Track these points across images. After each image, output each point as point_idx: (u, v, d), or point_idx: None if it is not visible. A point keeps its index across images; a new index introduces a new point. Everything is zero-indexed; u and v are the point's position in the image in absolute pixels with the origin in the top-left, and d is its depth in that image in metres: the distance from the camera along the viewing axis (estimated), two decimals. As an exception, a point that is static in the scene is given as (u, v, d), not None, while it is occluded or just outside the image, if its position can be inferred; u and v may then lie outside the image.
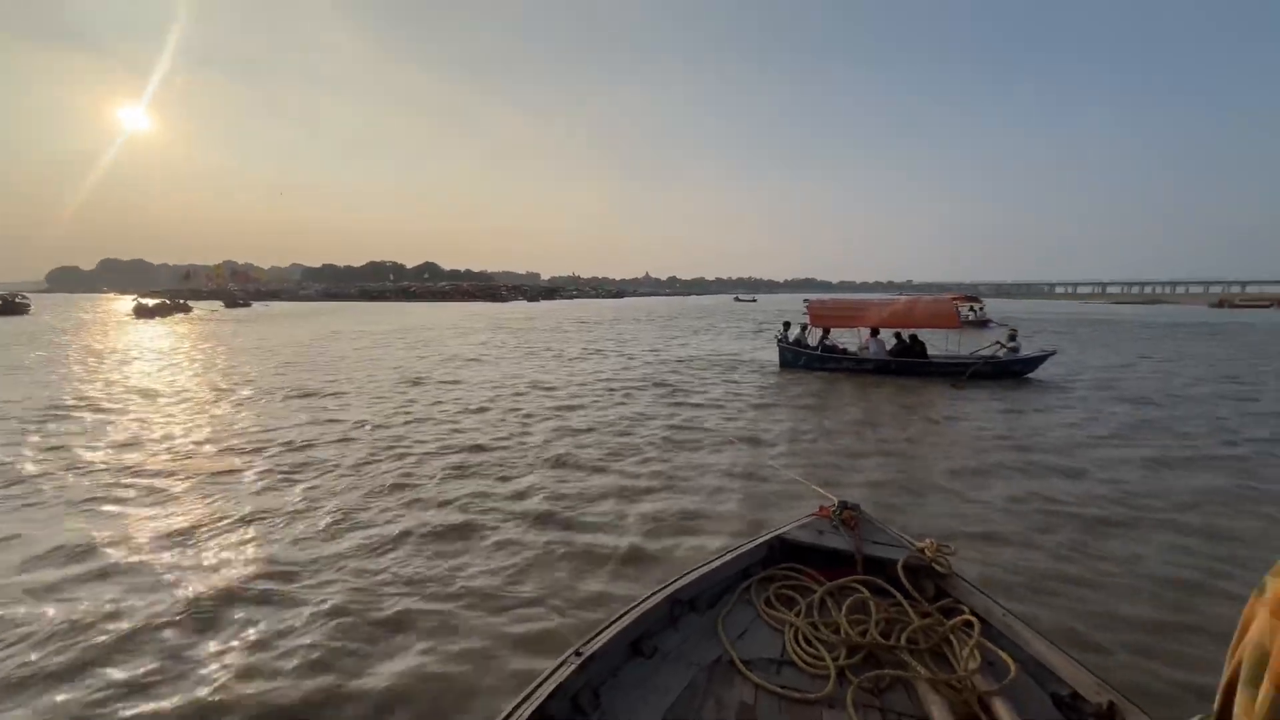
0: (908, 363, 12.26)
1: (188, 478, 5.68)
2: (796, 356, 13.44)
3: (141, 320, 38.07)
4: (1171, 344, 20.55)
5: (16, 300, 44.06)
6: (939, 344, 12.86)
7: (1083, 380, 11.83)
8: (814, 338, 13.75)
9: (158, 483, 5.52)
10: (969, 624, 2.21)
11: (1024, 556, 4.09)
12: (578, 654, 1.86)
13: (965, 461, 6.40)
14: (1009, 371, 11.92)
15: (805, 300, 14.47)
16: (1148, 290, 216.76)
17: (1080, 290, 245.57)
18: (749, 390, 10.82)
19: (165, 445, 6.84)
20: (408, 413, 8.68)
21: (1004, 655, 2.07)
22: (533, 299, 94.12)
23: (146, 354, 17.01)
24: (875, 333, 12.90)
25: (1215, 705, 0.77)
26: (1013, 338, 12.79)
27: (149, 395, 10.12)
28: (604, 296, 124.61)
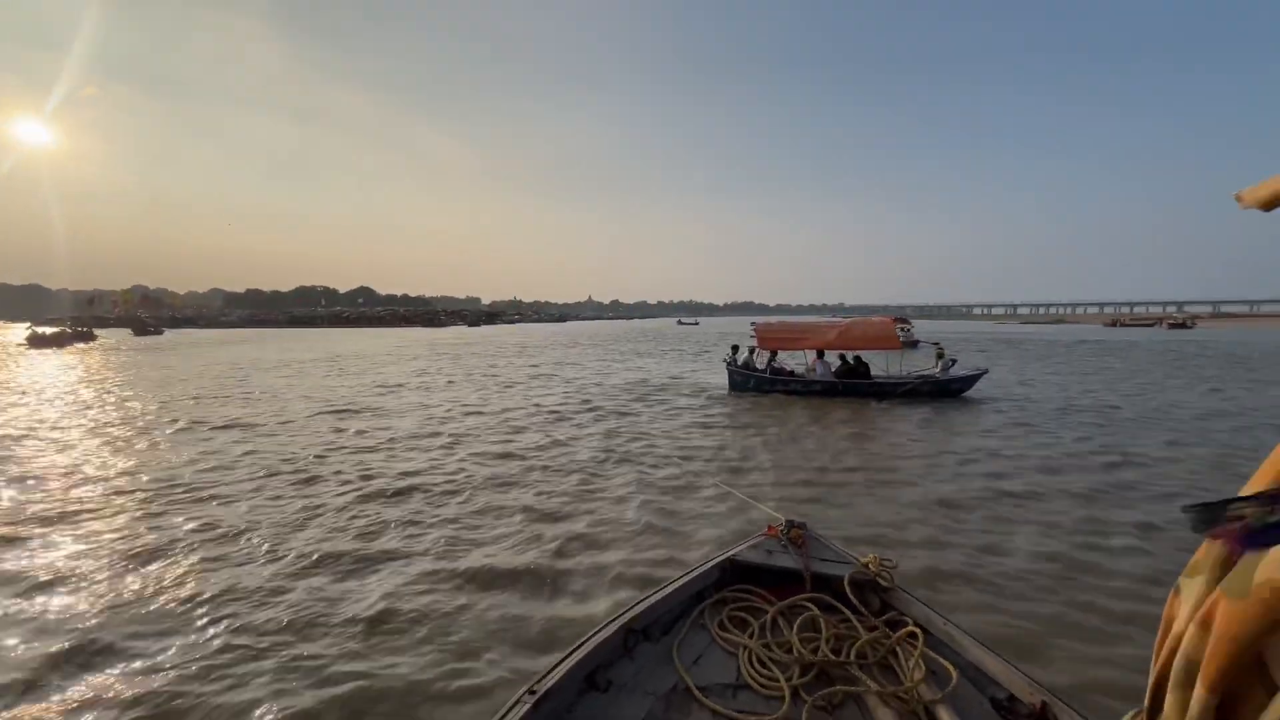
0: (854, 384, 12.61)
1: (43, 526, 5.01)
2: (745, 379, 13.59)
3: (36, 350, 34.64)
4: (1078, 360, 22.23)
5: None
6: (879, 365, 13.33)
7: (1011, 396, 12.51)
8: (762, 360, 13.98)
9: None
10: (913, 635, 2.27)
11: (975, 566, 4.17)
12: (531, 692, 1.83)
13: (912, 478, 6.56)
14: (947, 390, 12.45)
15: (753, 323, 14.69)
16: (1052, 311, 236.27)
17: (994, 311, 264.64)
18: (698, 414, 10.82)
19: (29, 493, 6.06)
20: (315, 447, 8.12)
21: (946, 663, 2.14)
22: (473, 324, 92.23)
23: (37, 389, 15.31)
24: (821, 354, 13.24)
25: (1145, 702, 0.79)
26: (941, 355, 13.43)
27: (23, 437, 9.04)
28: (547, 320, 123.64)
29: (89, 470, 6.96)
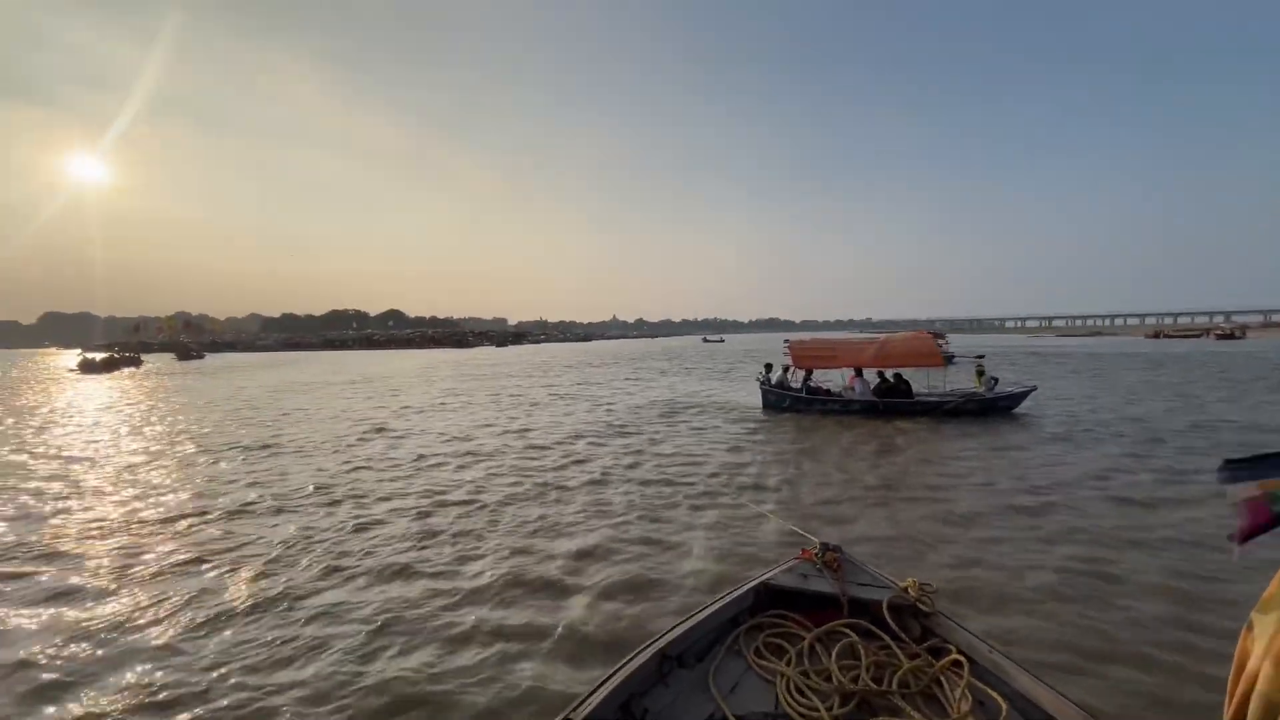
0: (895, 403, 12.20)
1: (103, 549, 5.02)
2: (780, 399, 13.30)
3: (87, 376, 36.07)
4: (1126, 375, 21.29)
5: None
6: (918, 382, 12.91)
7: (1062, 414, 11.96)
8: (796, 379, 13.69)
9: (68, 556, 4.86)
10: (957, 663, 2.20)
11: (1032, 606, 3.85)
12: None
13: (965, 504, 6.22)
14: (994, 408, 11.98)
15: (786, 341, 14.43)
16: (1090, 323, 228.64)
17: (1029, 325, 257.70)
18: (730, 435, 10.56)
19: (90, 513, 6.12)
20: (358, 465, 8.10)
21: (993, 694, 2.07)
22: (500, 344, 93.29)
23: (89, 412, 15.82)
24: (860, 373, 12.89)
25: None
26: (981, 371, 12.95)
27: (82, 460, 9.24)
28: (572, 340, 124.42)
29: (146, 491, 7.07)
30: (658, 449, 9.43)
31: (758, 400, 14.16)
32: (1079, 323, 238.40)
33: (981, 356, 13.41)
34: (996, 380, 12.63)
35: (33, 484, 7.81)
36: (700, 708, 2.12)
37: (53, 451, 10.17)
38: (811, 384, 13.30)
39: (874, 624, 2.47)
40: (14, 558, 5.13)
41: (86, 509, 6.57)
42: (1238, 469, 0.71)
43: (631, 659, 2.19)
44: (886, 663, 2.26)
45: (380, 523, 5.95)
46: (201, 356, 64.33)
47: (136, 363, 47.73)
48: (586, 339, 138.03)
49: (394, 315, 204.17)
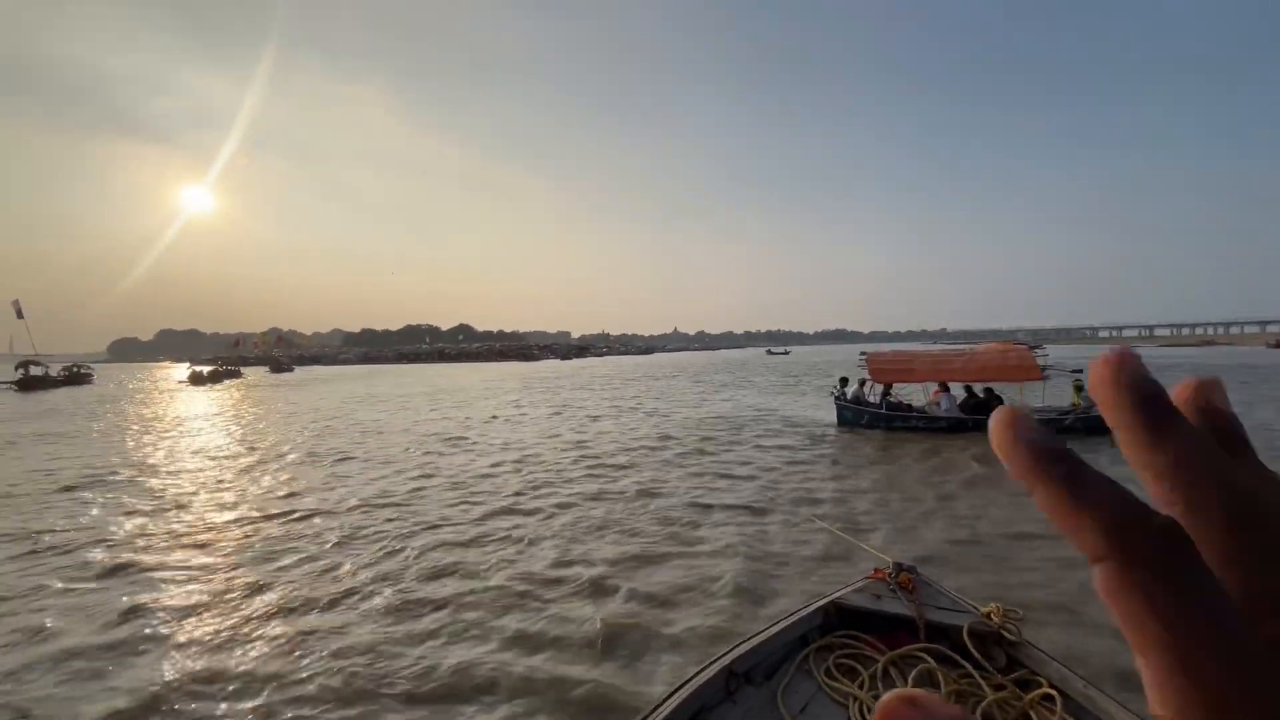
0: (984, 420, 11.21)
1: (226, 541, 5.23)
2: (857, 415, 12.62)
3: (196, 387, 39.51)
4: (1246, 389, 19.01)
5: (81, 371, 46.05)
6: (1009, 398, 11.93)
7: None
8: (874, 394, 12.98)
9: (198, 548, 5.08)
10: (1049, 698, 2.05)
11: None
12: None
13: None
14: (1103, 427, 10.83)
15: (862, 354, 13.74)
16: (1199, 331, 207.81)
17: (1125, 334, 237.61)
18: (802, 452, 10.07)
19: (219, 511, 6.46)
20: (433, 474, 8.21)
21: None
22: (564, 357, 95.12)
23: (201, 419, 17.16)
24: (945, 387, 12.07)
25: None
26: (1081, 388, 11.72)
27: (205, 458, 9.90)
28: (634, 353, 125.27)
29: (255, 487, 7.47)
30: (724, 464, 9.13)
31: (831, 415, 13.55)
32: (1186, 330, 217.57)
33: (1080, 371, 12.13)
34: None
35: (160, 484, 8.42)
36: None
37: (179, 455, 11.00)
38: (891, 399, 12.56)
39: (953, 650, 2.33)
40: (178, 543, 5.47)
41: (217, 504, 6.99)
42: None
43: (698, 674, 2.13)
44: (968, 693, 2.13)
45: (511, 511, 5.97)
46: (291, 370, 69.05)
47: (237, 375, 52.40)
48: (648, 351, 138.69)
49: (464, 330, 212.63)
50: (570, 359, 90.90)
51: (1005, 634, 2.36)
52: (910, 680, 2.20)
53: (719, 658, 2.25)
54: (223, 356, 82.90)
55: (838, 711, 2.15)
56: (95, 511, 7.21)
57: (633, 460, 9.76)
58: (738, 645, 2.35)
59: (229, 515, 6.93)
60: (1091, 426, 10.86)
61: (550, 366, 62.42)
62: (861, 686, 2.22)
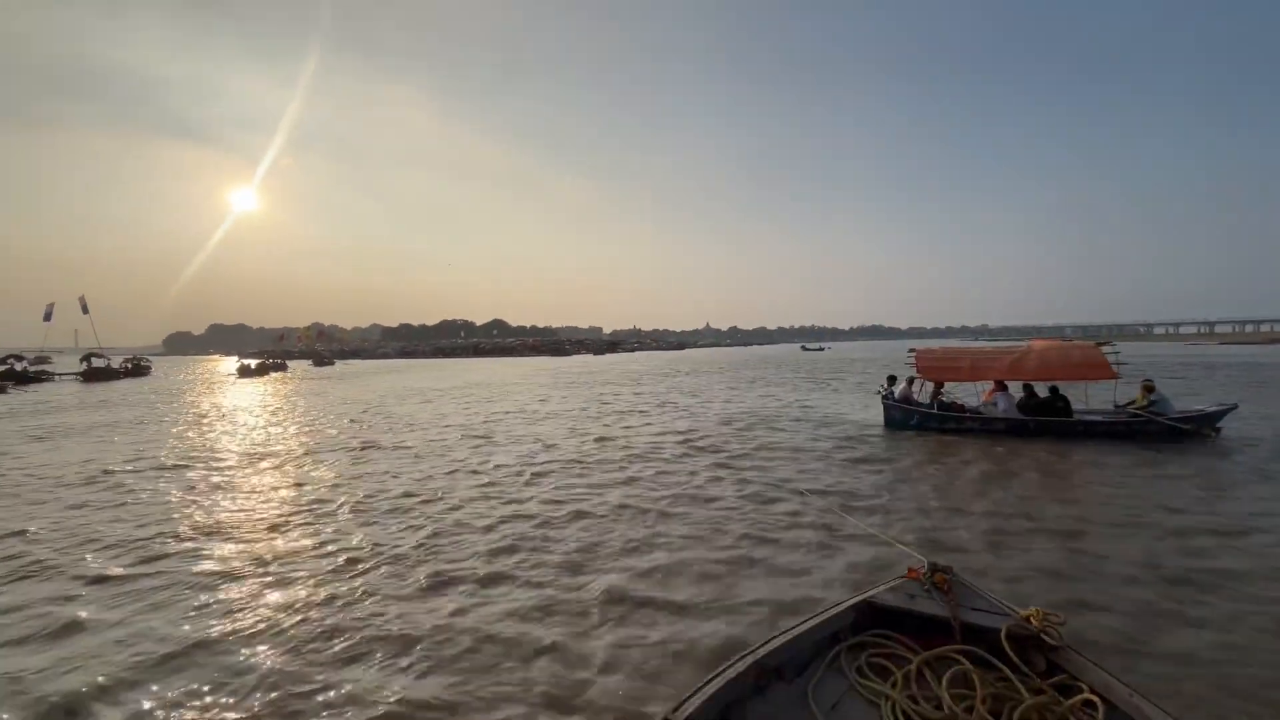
0: (1049, 421, 10.71)
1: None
2: (907, 416, 12.14)
3: (245, 379, 41.11)
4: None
5: (141, 363, 49.72)
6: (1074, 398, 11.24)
7: (1252, 438, 9.95)
8: (925, 393, 12.49)
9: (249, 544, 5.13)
10: (1090, 704, 1.99)
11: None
12: None
13: (1123, 539, 5.20)
14: (1177, 431, 10.07)
15: (911, 350, 13.25)
16: (1264, 329, 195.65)
17: (1183, 330, 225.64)
18: (847, 454, 9.71)
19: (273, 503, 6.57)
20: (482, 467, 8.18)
21: None
22: (597, 353, 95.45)
23: (253, 409, 17.71)
24: (1003, 386, 11.52)
25: None
26: (1151, 390, 10.93)
27: (264, 452, 10.15)
28: (666, 349, 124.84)
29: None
30: (762, 464, 8.93)
31: (877, 415, 13.10)
32: (1249, 327, 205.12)
33: (1148, 381, 11.30)
34: (1156, 399, 10.52)
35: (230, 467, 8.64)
36: None
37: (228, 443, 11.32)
38: (943, 398, 12.05)
39: (990, 652, 2.28)
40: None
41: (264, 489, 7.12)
42: None
43: (729, 667, 2.11)
44: (1006, 696, 2.08)
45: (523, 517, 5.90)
46: (332, 363, 70.94)
47: (283, 368, 54.97)
48: (680, 347, 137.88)
49: (498, 324, 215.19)
50: (603, 354, 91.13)
51: (1045, 638, 2.28)
52: (945, 682, 2.12)
53: (750, 652, 2.22)
54: (268, 350, 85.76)
55: (870, 711, 2.11)
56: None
57: (670, 457, 9.59)
58: (769, 641, 2.31)
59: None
60: (1168, 430, 10.15)
61: (583, 361, 62.59)
62: (894, 687, 2.17)
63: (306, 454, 10.65)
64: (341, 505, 7.06)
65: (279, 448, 11.40)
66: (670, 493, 7.48)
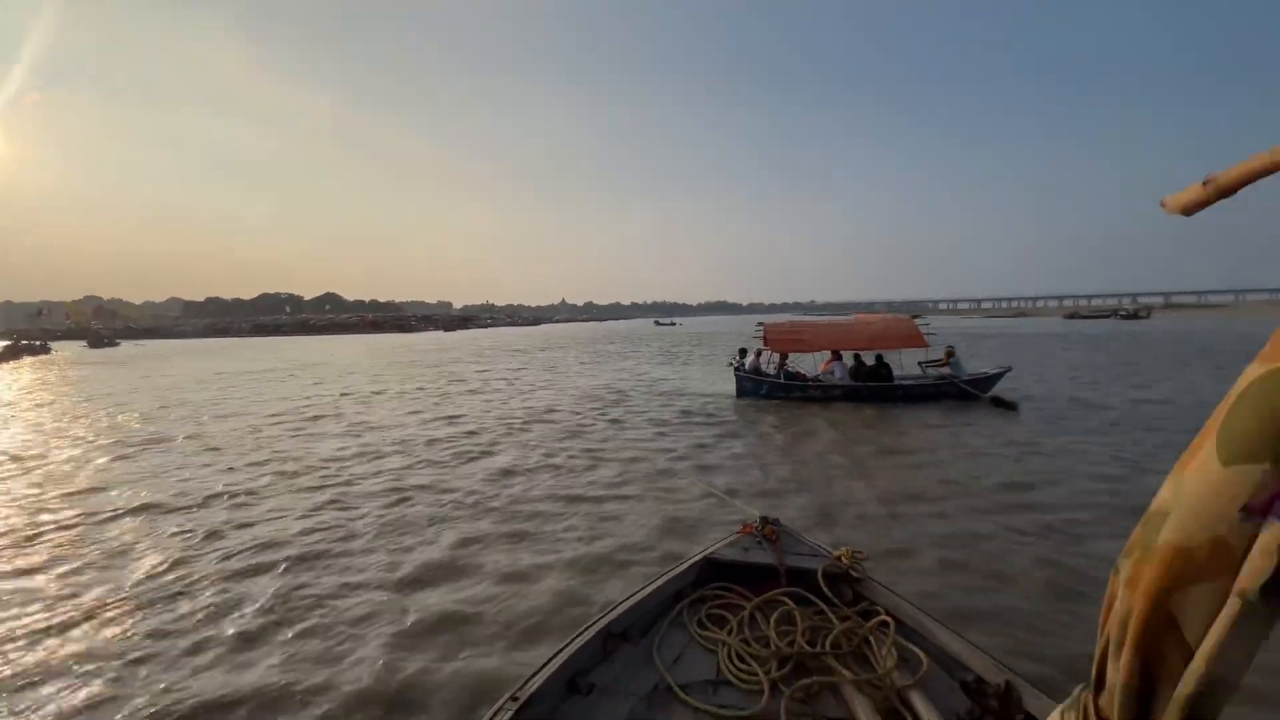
0: (877, 387, 12.07)
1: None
2: (757, 385, 12.96)
3: (-17, 367, 32.42)
4: (1071, 353, 22.31)
5: None
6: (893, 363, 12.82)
7: (1026, 393, 12.18)
8: (771, 364, 13.41)
9: None
10: (885, 624, 2.35)
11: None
12: (514, 699, 1.86)
13: (920, 482, 6.10)
14: (972, 391, 11.95)
15: (760, 324, 14.12)
16: (1014, 304, 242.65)
17: (960, 306, 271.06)
18: (702, 422, 10.23)
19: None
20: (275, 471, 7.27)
21: (916, 650, 2.24)
22: (447, 329, 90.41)
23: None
24: (838, 356, 12.73)
25: (1092, 676, 0.88)
26: (952, 354, 12.88)
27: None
28: (521, 324, 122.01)
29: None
30: (620, 436, 9.05)
31: (728, 386, 13.85)
32: (1005, 304, 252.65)
33: (950, 348, 13.19)
34: (954, 363, 12.54)
35: None
36: (645, 679, 2.18)
37: None
38: (789, 369, 13.05)
39: (810, 591, 2.59)
40: None
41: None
42: None
43: (576, 637, 2.21)
44: (821, 626, 2.38)
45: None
46: (115, 344, 59.14)
47: (44, 350, 44.45)
48: (535, 323, 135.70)
49: (331, 299, 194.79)
50: (454, 330, 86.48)
51: (853, 573, 2.66)
52: (773, 621, 2.38)
53: (596, 620, 2.34)
54: (22, 330, 69.14)
55: (708, 658, 2.30)
56: None
57: (531, 430, 9.30)
58: (616, 607, 2.44)
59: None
60: (963, 390, 11.96)
61: (432, 339, 58.77)
62: (730, 633, 2.38)
63: None
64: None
65: None
66: (526, 470, 7.30)
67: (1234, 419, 0.77)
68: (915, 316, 13.14)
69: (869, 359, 12.55)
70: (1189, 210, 0.89)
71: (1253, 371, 0.79)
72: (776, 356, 13.34)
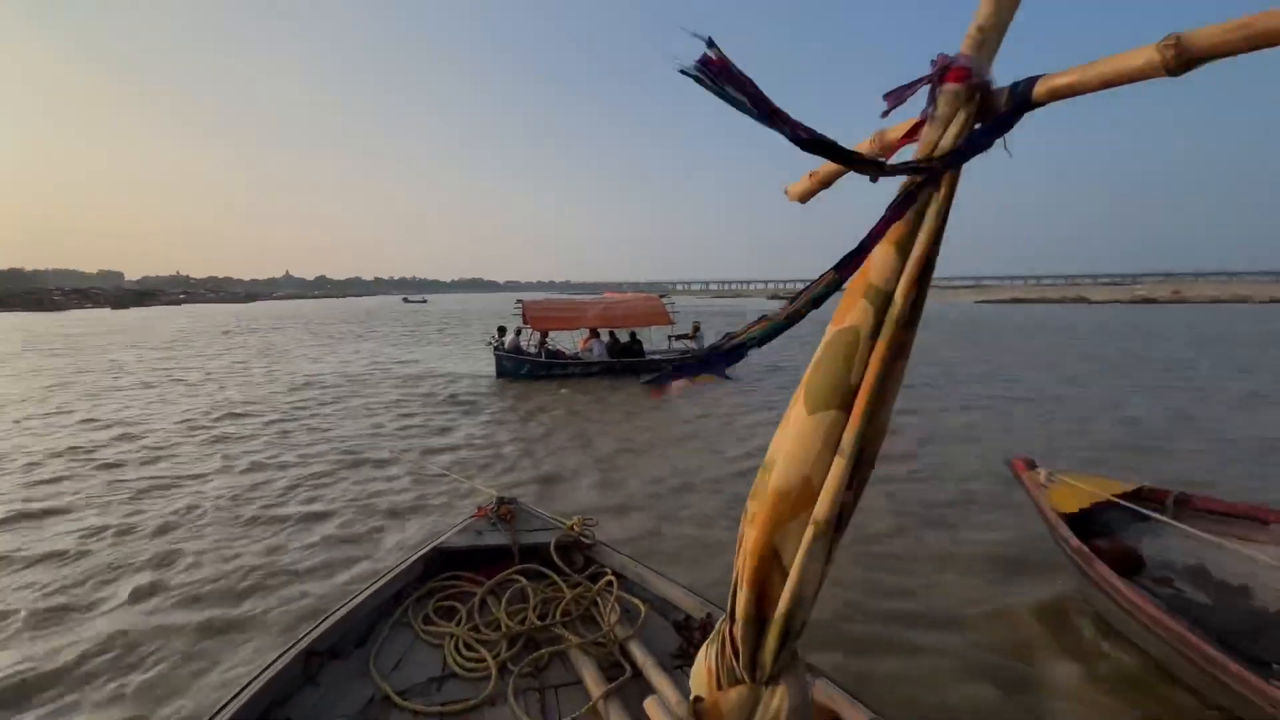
0: (631, 362, 12.79)
1: None
2: (518, 364, 12.63)
3: None
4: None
5: None
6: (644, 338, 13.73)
7: (751, 364, 14.21)
8: (532, 342, 13.23)
9: None
10: (610, 583, 2.44)
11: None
12: None
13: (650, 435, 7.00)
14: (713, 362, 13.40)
15: (519, 301, 13.76)
16: (730, 288, 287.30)
17: (693, 288, 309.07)
18: (460, 406, 9.80)
19: None
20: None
21: (637, 601, 2.39)
22: (118, 306, 69.97)
23: None
24: (595, 333, 13.10)
25: (729, 608, 0.99)
26: (697, 330, 14.32)
27: None
28: (228, 300, 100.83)
29: None
30: (350, 430, 8.19)
31: (487, 366, 13.31)
32: (727, 287, 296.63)
33: (696, 323, 14.59)
34: (699, 337, 14.05)
35: None
36: (358, 695, 1.98)
37: None
38: (549, 346, 13.01)
39: (543, 565, 2.60)
40: None
41: None
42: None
43: (270, 665, 1.95)
44: (553, 597, 2.41)
45: None
46: None
47: None
48: (250, 298, 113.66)
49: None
50: (127, 308, 67.23)
51: (583, 539, 2.73)
52: (504, 602, 2.35)
53: (296, 642, 2.07)
54: None
55: (434, 655, 2.17)
56: None
57: (255, 433, 7.67)
58: (320, 624, 2.17)
59: None
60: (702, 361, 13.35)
61: (87, 318, 44.78)
62: (459, 623, 2.27)
63: None
64: None
65: None
66: (215, 482, 6.05)
67: (815, 374, 0.92)
68: (662, 296, 14.21)
69: (623, 336, 13.24)
70: (803, 198, 1.06)
71: (828, 334, 0.93)
72: (537, 335, 13.18)
